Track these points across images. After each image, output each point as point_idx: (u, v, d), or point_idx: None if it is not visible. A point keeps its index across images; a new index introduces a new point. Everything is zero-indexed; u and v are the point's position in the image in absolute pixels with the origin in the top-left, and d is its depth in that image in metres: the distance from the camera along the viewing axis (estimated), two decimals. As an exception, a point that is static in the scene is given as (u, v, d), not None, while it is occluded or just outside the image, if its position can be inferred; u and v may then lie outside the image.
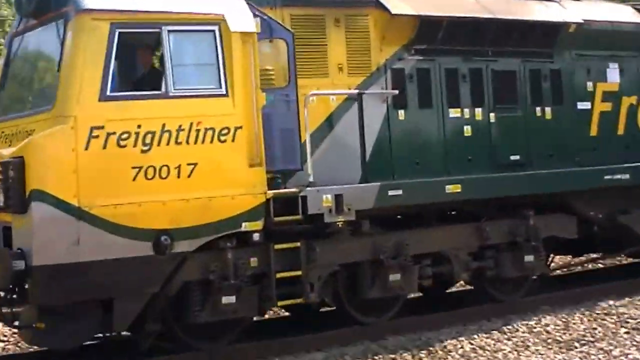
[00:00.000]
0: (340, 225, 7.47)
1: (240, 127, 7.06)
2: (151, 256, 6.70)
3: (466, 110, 8.68)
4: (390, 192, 7.77)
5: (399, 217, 8.46)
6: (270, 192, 7.21)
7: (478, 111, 8.76)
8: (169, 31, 6.90)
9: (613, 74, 9.88)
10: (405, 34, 8.31)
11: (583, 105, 9.52)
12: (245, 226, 7.07)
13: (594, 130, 9.54)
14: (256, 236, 7.13)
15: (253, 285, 7.25)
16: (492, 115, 8.81)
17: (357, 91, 7.87)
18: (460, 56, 8.67)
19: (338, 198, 7.43)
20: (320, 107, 7.90)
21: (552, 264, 11.48)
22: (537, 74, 9.18)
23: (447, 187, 8.13)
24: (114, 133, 6.60)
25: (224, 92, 7.05)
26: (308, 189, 7.41)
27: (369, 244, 7.87)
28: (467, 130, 8.66)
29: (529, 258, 8.68)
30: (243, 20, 7.17)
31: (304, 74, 7.77)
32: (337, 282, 7.93)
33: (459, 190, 8.16)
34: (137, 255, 6.63)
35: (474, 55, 8.77)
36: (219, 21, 7.12)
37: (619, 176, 9.30)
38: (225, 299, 7.00)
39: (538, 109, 9.15)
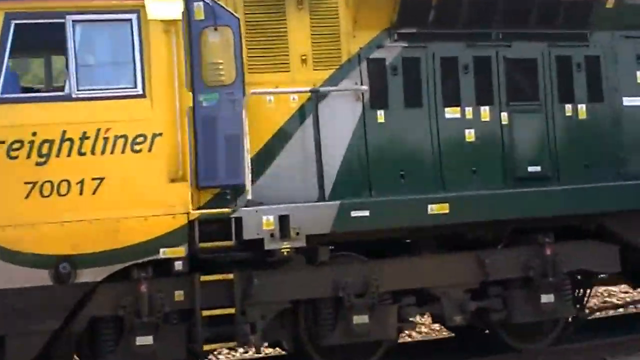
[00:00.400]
0: (286, 254, 6.60)
1: (160, 134, 6.33)
2: (49, 287, 6.07)
3: (468, 110, 7.42)
4: (354, 213, 6.70)
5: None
6: (196, 212, 6.40)
7: (485, 110, 7.46)
8: (75, 21, 6.24)
9: None
10: (385, 15, 7.19)
11: (632, 101, 7.95)
12: (165, 253, 6.31)
13: None
14: (178, 265, 6.34)
15: (178, 324, 6.48)
16: (504, 115, 7.50)
17: (309, 88, 6.85)
18: (462, 41, 7.41)
19: (283, 220, 6.51)
20: (280, 108, 6.97)
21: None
22: (567, 62, 7.73)
23: (431, 206, 6.92)
24: (4, 142, 6.04)
25: (141, 92, 6.35)
26: (244, 209, 6.52)
27: (328, 278, 6.85)
28: (470, 134, 7.42)
29: (547, 298, 7.30)
30: (165, 6, 6.39)
31: (259, 68, 6.92)
32: (297, 323, 7.01)
33: (445, 212, 6.95)
34: (32, 286, 6.02)
35: (480, 39, 7.48)
36: (138, 8, 6.38)
37: (673, 192, 8.01)
38: (140, 340, 6.26)
39: (568, 106, 7.73)
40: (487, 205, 7.15)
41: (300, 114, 7.04)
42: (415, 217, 6.95)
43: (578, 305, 7.98)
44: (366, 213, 6.79)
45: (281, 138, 7.01)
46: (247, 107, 6.69)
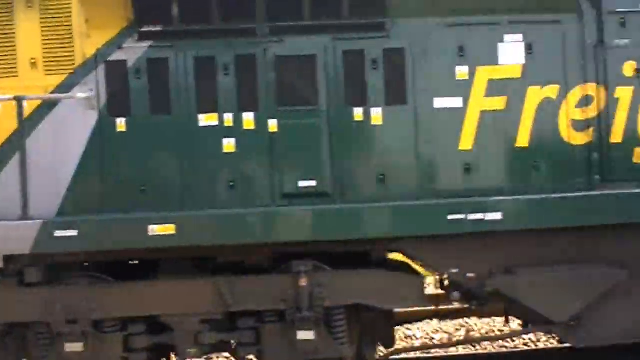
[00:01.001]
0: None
1: None
2: None
3: (227, 116, 7.07)
4: (58, 233, 6.61)
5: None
6: None
7: (248, 117, 7.07)
8: None
9: (511, 52, 7.25)
10: (120, 12, 7.02)
11: (445, 103, 7.19)
12: None
13: (467, 142, 7.18)
14: None
15: None
16: (272, 122, 7.09)
17: (11, 96, 6.74)
18: (220, 38, 7.06)
19: (-23, 240, 6.49)
20: (8, 117, 6.95)
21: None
22: (358, 58, 7.14)
23: (152, 227, 6.69)
24: None
25: None
26: None
27: (38, 301, 6.84)
28: (229, 144, 7.07)
29: (305, 335, 6.86)
30: None
31: (-17, 74, 6.95)
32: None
33: (171, 233, 6.69)
34: None
35: (243, 35, 7.07)
36: None
37: (478, 216, 6.93)
38: None
39: (358, 110, 7.14)
40: (224, 227, 6.80)
41: (29, 124, 6.96)
42: (133, 239, 6.72)
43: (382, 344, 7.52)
44: (73, 233, 6.67)
45: (10, 149, 7.00)
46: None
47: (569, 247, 7.22)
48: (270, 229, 6.82)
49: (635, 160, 7.41)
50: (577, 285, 7.10)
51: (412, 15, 7.26)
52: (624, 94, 7.41)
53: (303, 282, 6.84)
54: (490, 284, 7.08)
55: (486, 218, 6.93)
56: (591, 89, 7.38)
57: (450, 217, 6.90)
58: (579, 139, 7.37)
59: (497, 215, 6.95)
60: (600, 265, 7.19)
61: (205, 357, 7.37)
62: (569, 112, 7.36)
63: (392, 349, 7.71)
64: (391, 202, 6.99)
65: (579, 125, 7.37)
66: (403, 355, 8.65)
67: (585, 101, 7.39)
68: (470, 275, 7.16)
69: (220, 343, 7.14)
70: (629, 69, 7.42)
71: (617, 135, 7.41)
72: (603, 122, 7.41)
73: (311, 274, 6.93)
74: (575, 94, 7.38)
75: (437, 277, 7.66)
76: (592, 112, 7.39)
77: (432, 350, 9.00)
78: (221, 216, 6.86)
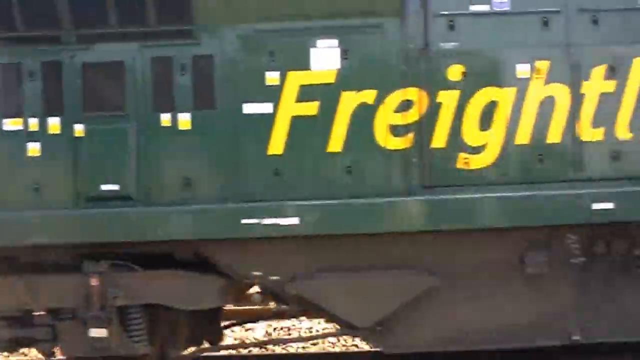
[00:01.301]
0: None
1: None
2: None
3: (32, 121, 7.30)
4: None
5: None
6: None
7: (53, 122, 7.29)
8: None
9: (324, 57, 7.37)
10: None
11: (255, 108, 7.31)
12: None
13: (277, 147, 7.26)
14: None
15: None
16: (78, 127, 7.28)
17: None
18: (26, 45, 7.33)
19: None
20: None
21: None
22: (166, 65, 7.30)
23: None
24: None
25: None
26: None
27: None
28: (33, 148, 7.30)
29: (97, 332, 7.10)
30: None
31: None
32: None
33: None
34: None
35: (48, 43, 7.32)
36: None
37: (273, 220, 7.02)
38: None
39: (166, 116, 7.29)
40: (15, 228, 7.14)
41: None
42: None
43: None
44: None
45: None
46: None
47: (378, 252, 7.24)
48: (54, 230, 7.07)
49: (458, 165, 7.43)
50: (382, 291, 7.09)
51: (222, 21, 7.37)
52: (448, 98, 7.44)
53: (94, 281, 7.07)
54: (291, 287, 7.15)
55: (282, 223, 7.00)
56: (412, 93, 7.40)
57: (244, 221, 7.00)
58: (398, 144, 7.39)
59: (294, 220, 7.01)
60: (408, 271, 7.19)
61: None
62: (387, 117, 7.40)
63: (197, 348, 7.84)
64: (187, 206, 7.13)
65: (398, 130, 7.40)
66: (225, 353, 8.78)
67: (406, 106, 7.42)
68: (273, 278, 7.23)
69: (23, 339, 7.36)
70: (455, 72, 7.48)
71: (439, 140, 7.43)
72: (424, 127, 7.42)
73: (107, 274, 7.14)
74: (395, 98, 7.41)
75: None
76: (412, 117, 7.41)
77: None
78: (11, 218, 7.08)
